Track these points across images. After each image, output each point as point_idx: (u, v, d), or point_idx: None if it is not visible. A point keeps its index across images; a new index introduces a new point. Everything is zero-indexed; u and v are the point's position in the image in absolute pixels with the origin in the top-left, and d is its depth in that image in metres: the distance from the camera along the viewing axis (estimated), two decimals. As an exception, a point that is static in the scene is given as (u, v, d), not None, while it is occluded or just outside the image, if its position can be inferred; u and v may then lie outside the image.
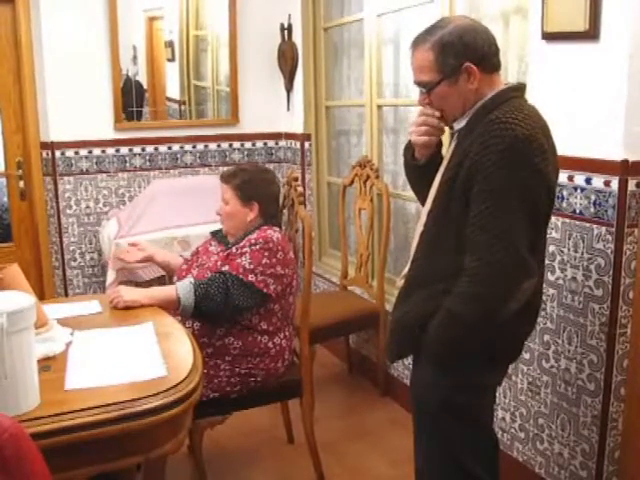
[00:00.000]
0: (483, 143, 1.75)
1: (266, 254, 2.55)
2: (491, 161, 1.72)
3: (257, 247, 2.55)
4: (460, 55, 1.82)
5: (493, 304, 1.77)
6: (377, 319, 3.65)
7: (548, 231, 2.46)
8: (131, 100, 4.44)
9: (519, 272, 1.75)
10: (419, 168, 2.09)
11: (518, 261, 1.74)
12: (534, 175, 1.74)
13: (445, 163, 1.93)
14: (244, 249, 2.57)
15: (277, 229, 2.68)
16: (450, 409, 1.93)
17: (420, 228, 2.00)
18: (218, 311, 2.50)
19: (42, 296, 4.13)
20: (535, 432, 2.69)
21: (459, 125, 1.92)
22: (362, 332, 3.93)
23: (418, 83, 1.92)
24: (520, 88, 1.93)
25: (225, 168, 4.50)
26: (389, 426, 3.41)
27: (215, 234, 2.87)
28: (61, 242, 4.32)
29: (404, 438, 3.19)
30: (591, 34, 2.23)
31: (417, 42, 1.89)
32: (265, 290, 2.55)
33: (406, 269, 2.06)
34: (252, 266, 2.52)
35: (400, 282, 2.09)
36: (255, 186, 2.72)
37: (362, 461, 3.11)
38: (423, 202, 2.08)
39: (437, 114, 1.94)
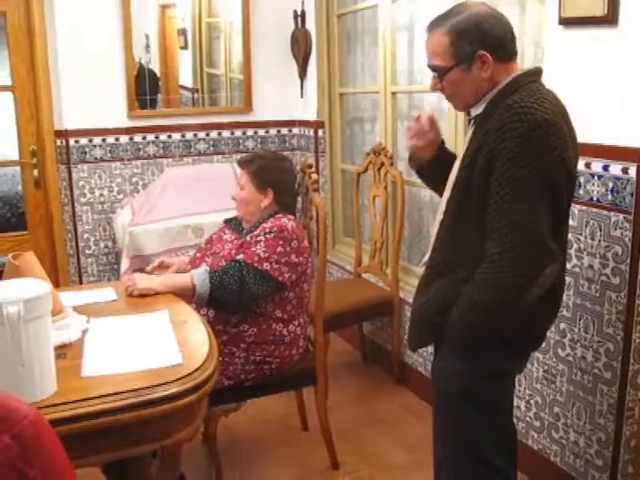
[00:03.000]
0: (501, 128, 1.73)
1: (281, 242, 2.54)
2: (510, 146, 1.71)
3: (271, 236, 2.55)
4: (475, 42, 1.81)
5: (515, 290, 1.76)
6: (391, 307, 3.65)
7: (565, 219, 2.45)
8: (144, 88, 4.44)
9: (541, 258, 1.74)
10: (427, 170, 2.12)
11: (539, 246, 1.73)
12: (554, 159, 1.72)
13: (463, 150, 1.92)
14: (259, 237, 2.56)
15: (292, 217, 2.68)
16: (471, 397, 1.93)
17: (440, 216, 1.99)
18: (233, 299, 2.50)
19: (57, 284, 4.14)
20: (550, 421, 2.68)
21: (476, 111, 1.91)
22: (376, 320, 3.92)
23: (431, 67, 1.90)
24: (537, 72, 1.90)
25: (239, 156, 4.52)
26: (403, 414, 3.41)
27: (229, 222, 2.86)
28: (75, 230, 4.34)
29: (418, 426, 3.20)
30: (609, 19, 2.20)
31: (433, 26, 1.88)
32: (280, 278, 2.54)
33: (426, 257, 2.06)
34: (267, 254, 2.52)
35: (421, 270, 2.08)
36: (271, 173, 2.72)
37: (376, 449, 3.11)
38: (442, 194, 2.07)
39: (424, 118, 2.05)
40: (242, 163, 2.77)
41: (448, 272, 1.90)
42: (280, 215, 2.65)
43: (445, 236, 1.94)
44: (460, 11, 1.84)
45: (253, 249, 2.54)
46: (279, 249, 2.54)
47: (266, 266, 2.51)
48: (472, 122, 1.95)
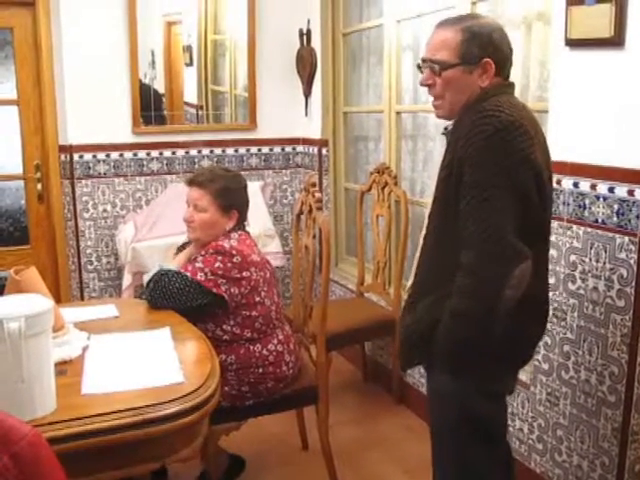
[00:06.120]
0: (469, 133, 1.74)
1: (219, 258, 2.51)
2: (477, 150, 1.71)
3: (209, 254, 2.53)
4: (484, 49, 1.82)
5: (487, 293, 1.73)
6: (393, 327, 3.62)
7: (569, 240, 2.44)
8: (149, 104, 4.45)
9: (508, 258, 1.71)
10: None
11: (505, 247, 1.70)
12: (520, 161, 1.72)
13: (440, 163, 1.92)
14: (198, 258, 2.56)
15: (236, 235, 2.63)
16: (467, 420, 1.90)
17: (423, 232, 1.98)
18: (168, 302, 2.49)
19: (58, 299, 4.13)
20: (553, 444, 2.65)
21: (451, 125, 1.92)
22: (378, 339, 3.91)
23: (432, 60, 1.87)
24: (508, 86, 1.91)
25: (243, 173, 4.52)
26: (404, 434, 3.38)
27: (182, 249, 2.84)
28: (78, 245, 4.33)
29: (419, 446, 3.17)
30: (616, 41, 2.20)
31: (447, 22, 1.88)
32: (215, 290, 2.48)
33: (411, 280, 2.04)
34: (202, 265, 2.50)
35: (407, 293, 2.08)
36: (235, 193, 2.68)
37: (377, 469, 3.08)
38: None
39: None
40: (200, 182, 2.65)
41: (433, 289, 1.88)
42: (223, 237, 2.61)
43: (429, 252, 1.94)
44: (476, 17, 1.88)
45: (192, 264, 2.54)
46: (217, 264, 2.50)
47: (200, 277, 2.48)
48: (447, 137, 1.95)
